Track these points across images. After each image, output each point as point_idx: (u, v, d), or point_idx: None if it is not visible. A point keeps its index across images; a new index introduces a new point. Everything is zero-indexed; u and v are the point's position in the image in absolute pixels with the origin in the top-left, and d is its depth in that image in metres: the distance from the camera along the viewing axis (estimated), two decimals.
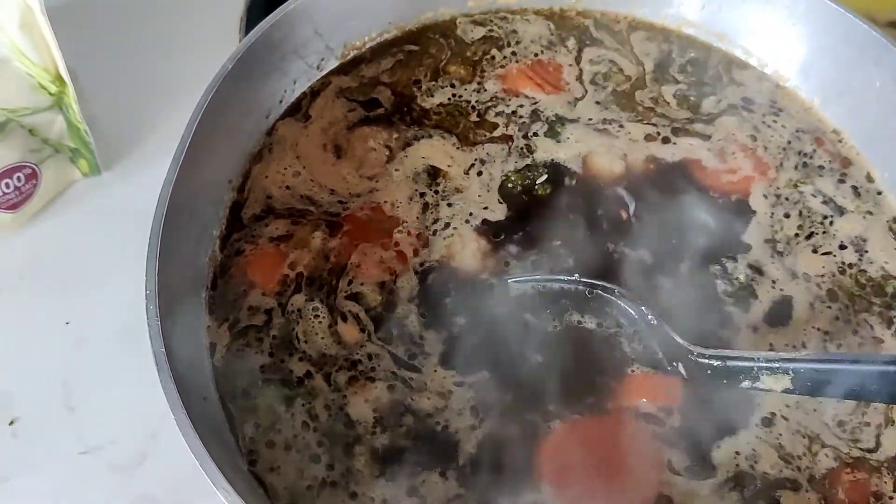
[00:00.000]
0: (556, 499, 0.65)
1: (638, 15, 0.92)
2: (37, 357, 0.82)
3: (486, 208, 0.79)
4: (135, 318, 0.64)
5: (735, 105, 0.87)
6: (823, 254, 0.78)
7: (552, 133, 0.84)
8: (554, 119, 0.85)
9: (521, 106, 0.86)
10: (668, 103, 0.87)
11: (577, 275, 0.74)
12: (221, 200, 0.78)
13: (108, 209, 0.91)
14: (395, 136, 0.83)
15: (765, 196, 0.81)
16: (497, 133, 0.84)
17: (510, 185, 0.81)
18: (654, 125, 0.85)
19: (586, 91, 0.88)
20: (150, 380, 0.61)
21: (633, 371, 0.71)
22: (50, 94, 0.83)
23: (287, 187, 0.80)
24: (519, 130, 0.84)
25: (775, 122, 0.86)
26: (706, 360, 0.67)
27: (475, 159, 0.82)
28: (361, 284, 0.74)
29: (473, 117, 0.85)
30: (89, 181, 0.93)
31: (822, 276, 0.77)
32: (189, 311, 0.70)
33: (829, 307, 0.76)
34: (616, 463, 0.67)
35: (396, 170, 0.81)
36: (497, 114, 0.85)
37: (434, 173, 0.81)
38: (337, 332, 0.72)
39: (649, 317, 0.71)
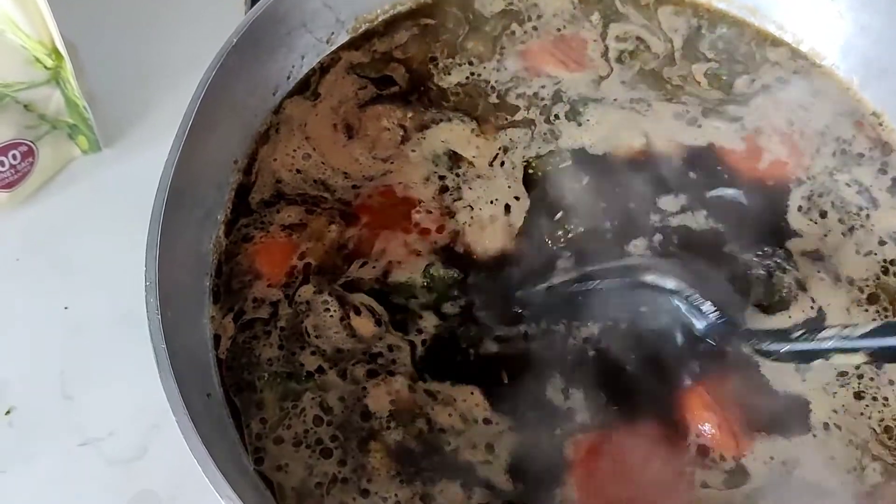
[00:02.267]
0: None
1: None
2: (34, 344, 0.80)
3: (515, 198, 0.76)
4: (136, 303, 0.61)
5: (769, 85, 0.83)
6: (865, 254, 0.75)
7: (573, 114, 0.80)
8: (577, 99, 0.81)
9: (543, 87, 0.83)
10: (699, 83, 0.83)
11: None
12: (227, 182, 0.74)
13: (109, 188, 0.88)
14: (411, 115, 0.80)
15: (798, 185, 0.77)
16: (518, 116, 0.80)
17: (531, 171, 0.77)
18: (684, 104, 0.81)
19: (612, 69, 0.84)
20: (152, 369, 0.58)
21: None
22: (46, 68, 0.80)
23: (298, 171, 0.76)
24: (541, 114, 0.80)
25: (812, 104, 0.82)
26: (773, 348, 0.64)
27: (499, 148, 0.78)
28: (390, 272, 0.72)
29: (493, 99, 0.81)
30: (89, 159, 0.90)
31: (866, 279, 0.73)
32: (192, 300, 0.68)
33: (867, 310, 0.72)
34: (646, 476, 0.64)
35: (413, 151, 0.78)
36: (518, 95, 0.82)
37: (455, 157, 0.78)
38: (350, 325, 0.69)
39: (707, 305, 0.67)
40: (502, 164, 0.77)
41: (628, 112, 0.81)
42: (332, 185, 0.76)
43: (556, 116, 0.80)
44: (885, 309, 0.72)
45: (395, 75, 0.82)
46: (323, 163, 0.77)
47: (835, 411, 0.67)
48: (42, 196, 0.87)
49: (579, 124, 0.80)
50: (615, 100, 0.82)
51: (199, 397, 0.62)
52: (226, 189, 0.74)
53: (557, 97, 0.82)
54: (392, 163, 0.77)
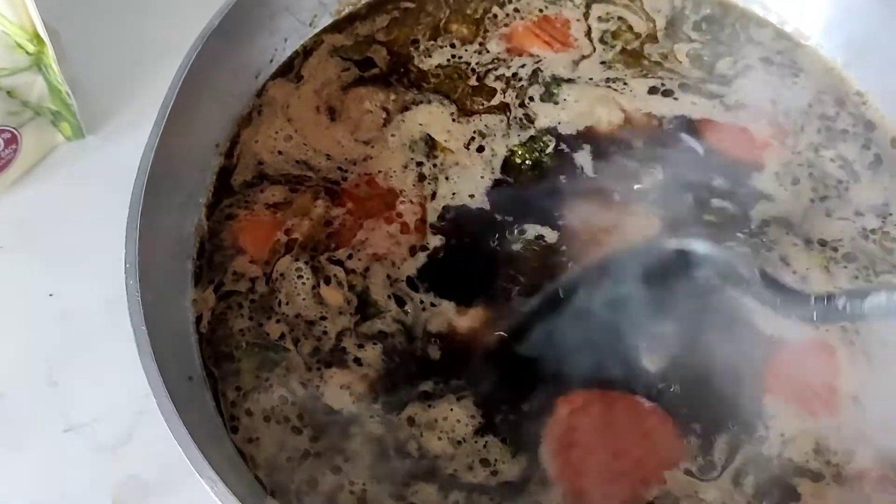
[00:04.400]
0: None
1: None
2: (19, 331, 0.79)
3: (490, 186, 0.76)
4: (121, 290, 0.61)
5: (752, 66, 0.83)
6: (839, 219, 0.75)
7: (548, 95, 0.80)
8: (549, 80, 0.81)
9: (523, 66, 0.82)
10: (680, 62, 0.83)
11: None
12: (208, 166, 0.74)
13: (93, 174, 0.87)
14: (393, 97, 0.79)
15: (780, 163, 0.77)
16: (495, 101, 0.80)
17: (517, 159, 0.77)
18: (660, 79, 0.82)
19: (594, 48, 0.84)
20: (136, 356, 0.58)
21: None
22: (28, 53, 0.79)
23: (279, 152, 0.76)
24: (516, 98, 0.80)
25: (795, 83, 0.82)
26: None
27: (474, 131, 0.78)
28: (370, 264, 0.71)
29: (473, 81, 0.81)
30: (73, 145, 0.89)
31: (840, 240, 0.74)
32: (173, 283, 0.68)
33: (846, 267, 0.72)
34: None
35: (392, 135, 0.77)
36: (497, 77, 0.81)
37: (432, 143, 0.77)
38: (319, 294, 0.70)
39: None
40: (480, 149, 0.77)
41: (604, 90, 0.81)
42: (316, 165, 0.76)
43: (531, 98, 0.80)
44: (866, 268, 0.73)
45: (377, 57, 0.82)
46: (305, 144, 0.77)
47: None
48: (26, 183, 0.87)
49: (555, 104, 0.80)
50: (591, 79, 0.82)
51: (181, 380, 0.62)
52: (208, 172, 0.74)
53: (534, 77, 0.81)
54: (373, 146, 0.77)
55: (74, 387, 0.77)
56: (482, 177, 0.76)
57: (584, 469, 0.64)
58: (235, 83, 0.77)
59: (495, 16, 0.85)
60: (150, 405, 0.72)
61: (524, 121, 0.79)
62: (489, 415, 0.65)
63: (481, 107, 0.79)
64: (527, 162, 0.77)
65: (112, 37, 0.94)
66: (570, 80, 0.81)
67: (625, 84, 0.81)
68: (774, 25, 0.85)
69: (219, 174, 0.74)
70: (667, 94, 0.81)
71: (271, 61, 0.80)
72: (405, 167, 0.76)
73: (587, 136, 0.78)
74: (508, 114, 0.79)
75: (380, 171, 0.75)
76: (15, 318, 0.80)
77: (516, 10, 0.86)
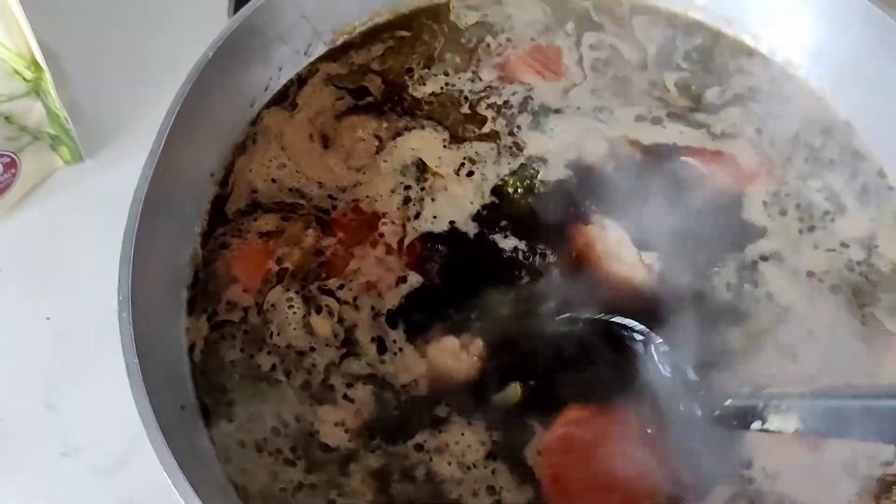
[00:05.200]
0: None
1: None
2: (16, 354, 0.80)
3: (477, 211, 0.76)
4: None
5: (741, 95, 0.83)
6: (827, 250, 0.76)
7: (535, 124, 0.81)
8: (538, 110, 0.82)
9: (515, 93, 0.83)
10: (668, 91, 0.84)
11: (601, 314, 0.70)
12: (204, 195, 0.74)
13: (92, 198, 0.88)
14: (385, 125, 0.80)
15: (768, 193, 0.78)
16: (486, 129, 0.81)
17: (509, 189, 0.77)
18: (648, 107, 0.82)
19: (586, 76, 0.84)
20: None
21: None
22: (25, 80, 0.80)
23: (273, 180, 0.77)
24: (506, 126, 0.81)
25: (782, 112, 0.82)
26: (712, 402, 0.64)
27: (464, 157, 0.79)
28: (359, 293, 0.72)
29: (465, 109, 0.82)
30: (71, 169, 0.90)
31: (828, 272, 0.74)
32: (167, 313, 0.68)
33: (827, 301, 0.73)
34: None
35: (385, 161, 0.78)
36: (488, 105, 0.82)
37: (423, 167, 0.78)
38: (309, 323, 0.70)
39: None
40: (470, 174, 0.78)
41: (591, 120, 0.81)
42: (308, 193, 0.76)
43: (519, 127, 0.81)
44: (850, 301, 0.73)
45: (371, 86, 0.82)
46: (298, 172, 0.77)
47: None
48: (24, 207, 0.87)
49: (542, 132, 0.80)
50: (578, 108, 0.82)
51: (173, 409, 0.62)
52: (203, 202, 0.74)
53: (524, 106, 0.82)
54: (364, 173, 0.77)
55: (71, 410, 0.77)
56: (471, 202, 0.76)
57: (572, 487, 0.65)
58: (230, 112, 0.77)
59: (488, 45, 0.86)
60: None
61: (514, 149, 0.79)
62: (497, 440, 0.66)
63: (472, 134, 0.80)
64: (518, 190, 0.77)
65: (112, 61, 0.94)
66: (558, 111, 0.82)
67: (611, 113, 0.82)
68: (764, 55, 0.86)
69: (213, 202, 0.75)
70: (655, 121, 0.81)
71: (266, 90, 0.80)
72: (392, 191, 0.76)
73: (575, 166, 0.79)
74: (498, 141, 0.80)
75: (367, 196, 0.76)
76: (12, 341, 0.80)
77: (509, 39, 0.86)
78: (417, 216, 0.75)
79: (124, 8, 1.01)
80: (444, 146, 0.79)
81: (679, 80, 0.84)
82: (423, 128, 0.80)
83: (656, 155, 0.79)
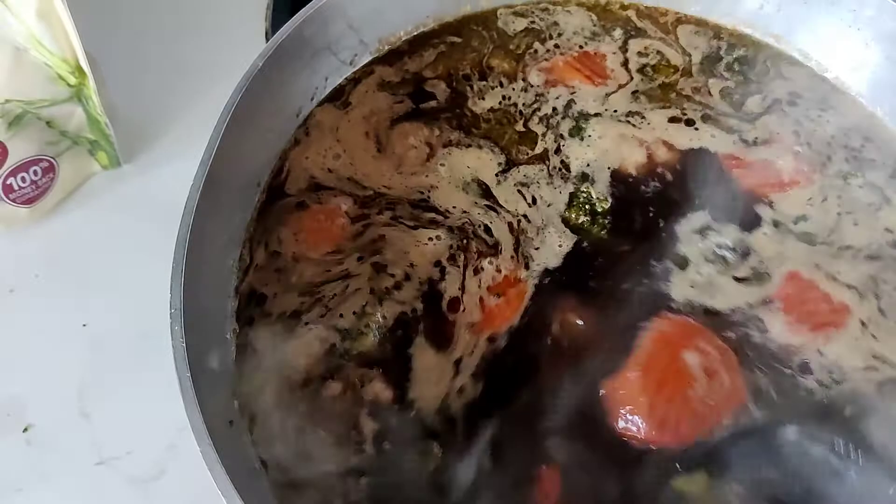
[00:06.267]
0: None
1: (690, 12, 0.88)
2: (52, 361, 0.79)
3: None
4: (155, 321, 0.61)
5: (780, 99, 0.83)
6: (865, 227, 0.75)
7: (577, 130, 0.80)
8: (578, 115, 0.81)
9: (558, 97, 0.83)
10: (712, 95, 0.83)
11: None
12: (250, 203, 0.74)
13: (128, 204, 0.88)
14: (438, 133, 0.79)
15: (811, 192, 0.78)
16: (538, 149, 0.80)
17: (574, 222, 0.75)
18: (684, 110, 0.82)
19: (631, 78, 0.84)
20: (170, 387, 0.58)
21: None
22: (69, 85, 0.79)
23: (329, 170, 0.77)
24: (554, 141, 0.80)
25: (821, 118, 0.82)
26: None
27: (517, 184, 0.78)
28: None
29: (520, 126, 0.81)
30: (108, 174, 0.90)
31: (869, 244, 0.74)
32: (215, 324, 0.67)
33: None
34: None
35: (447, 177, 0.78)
36: (540, 119, 0.81)
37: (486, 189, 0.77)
38: None
39: None
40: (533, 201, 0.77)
41: (625, 125, 0.81)
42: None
43: (562, 136, 0.80)
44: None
45: (437, 91, 0.83)
46: (351, 164, 0.78)
47: None
48: (61, 212, 0.87)
49: (581, 139, 0.80)
50: (615, 111, 0.82)
51: (222, 423, 0.61)
52: (249, 209, 0.74)
53: (567, 111, 0.82)
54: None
55: (107, 419, 0.77)
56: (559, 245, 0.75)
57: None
58: (277, 121, 0.77)
59: (535, 51, 0.86)
60: (182, 439, 0.72)
61: (562, 170, 0.78)
62: None
63: (525, 156, 0.79)
64: (584, 218, 0.76)
65: (148, 66, 0.94)
66: (596, 115, 0.82)
67: (642, 118, 0.81)
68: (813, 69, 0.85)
69: (260, 210, 0.74)
70: (690, 123, 0.81)
71: (312, 99, 0.80)
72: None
73: (617, 178, 0.78)
74: (547, 163, 0.79)
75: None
76: (48, 348, 0.80)
77: (556, 46, 0.86)
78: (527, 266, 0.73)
79: (161, 14, 1.01)
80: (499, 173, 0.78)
81: (724, 89, 0.84)
82: (479, 147, 0.79)
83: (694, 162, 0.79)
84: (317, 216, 0.74)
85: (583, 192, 0.77)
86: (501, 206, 0.76)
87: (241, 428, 0.64)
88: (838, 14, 0.82)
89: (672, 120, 0.81)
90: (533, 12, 0.88)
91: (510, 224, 0.75)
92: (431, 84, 0.83)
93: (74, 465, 0.75)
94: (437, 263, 0.72)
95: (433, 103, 0.81)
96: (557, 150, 0.79)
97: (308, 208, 0.74)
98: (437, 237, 0.73)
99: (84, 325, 0.81)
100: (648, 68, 0.85)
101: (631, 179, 0.77)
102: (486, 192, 0.77)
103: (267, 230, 0.73)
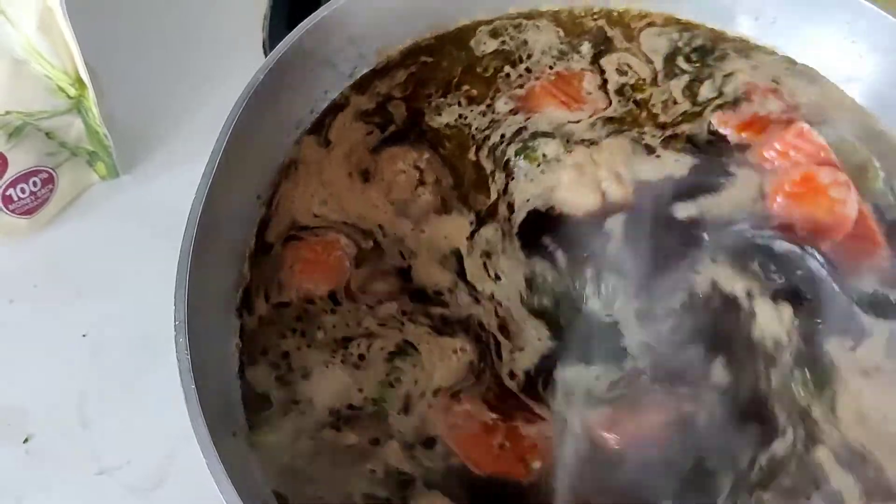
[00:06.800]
0: None
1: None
2: (51, 371, 0.79)
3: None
4: (154, 330, 0.62)
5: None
6: None
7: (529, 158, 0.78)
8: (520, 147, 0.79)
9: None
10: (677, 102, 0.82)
11: None
12: (251, 218, 0.74)
13: (127, 214, 0.88)
14: (426, 156, 0.78)
15: None
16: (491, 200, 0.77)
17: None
18: (644, 133, 0.80)
19: (610, 102, 0.81)
20: (170, 397, 0.58)
21: None
22: (69, 97, 0.80)
23: (315, 216, 0.76)
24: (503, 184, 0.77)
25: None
26: None
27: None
28: None
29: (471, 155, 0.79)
30: (107, 185, 0.90)
31: None
32: (218, 337, 0.67)
33: None
34: None
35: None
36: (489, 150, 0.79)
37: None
38: None
39: None
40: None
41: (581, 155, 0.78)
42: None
43: (512, 177, 0.78)
44: None
45: (396, 113, 0.81)
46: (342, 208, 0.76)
47: None
48: (60, 222, 0.87)
49: (531, 181, 0.77)
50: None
51: (225, 435, 0.62)
52: (250, 224, 0.74)
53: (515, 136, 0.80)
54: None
55: (107, 428, 0.77)
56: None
57: None
58: (277, 134, 0.77)
59: (508, 75, 0.83)
60: (182, 448, 0.74)
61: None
62: None
63: (483, 206, 0.76)
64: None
65: (147, 77, 0.94)
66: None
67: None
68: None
69: (260, 225, 0.74)
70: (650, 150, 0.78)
71: (311, 111, 0.80)
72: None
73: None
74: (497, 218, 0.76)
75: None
76: (48, 357, 0.80)
77: (528, 69, 0.84)
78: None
79: (158, 26, 1.00)
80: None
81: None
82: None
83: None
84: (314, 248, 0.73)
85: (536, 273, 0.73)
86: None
87: (244, 439, 0.64)
88: (833, 25, 0.81)
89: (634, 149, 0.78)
90: (507, 29, 0.86)
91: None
92: (394, 105, 0.81)
93: (74, 475, 0.75)
94: None
95: (392, 128, 0.80)
96: (505, 191, 0.77)
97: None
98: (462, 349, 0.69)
99: (83, 335, 0.81)
100: (628, 87, 0.82)
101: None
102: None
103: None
